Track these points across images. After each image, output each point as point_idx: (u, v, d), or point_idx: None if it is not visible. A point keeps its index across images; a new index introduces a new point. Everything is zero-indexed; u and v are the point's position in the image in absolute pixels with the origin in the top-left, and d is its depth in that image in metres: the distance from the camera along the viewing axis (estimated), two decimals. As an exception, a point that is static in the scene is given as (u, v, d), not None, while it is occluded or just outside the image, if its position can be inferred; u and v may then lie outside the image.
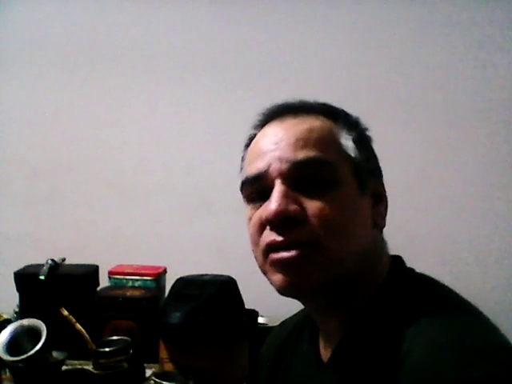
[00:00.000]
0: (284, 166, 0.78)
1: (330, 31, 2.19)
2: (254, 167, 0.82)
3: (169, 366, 1.52)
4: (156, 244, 2.23)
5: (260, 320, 1.71)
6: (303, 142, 0.79)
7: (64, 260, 1.86)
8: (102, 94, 2.30)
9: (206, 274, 1.66)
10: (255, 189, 0.82)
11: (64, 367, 1.56)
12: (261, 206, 0.80)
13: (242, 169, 0.89)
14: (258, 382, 1.05)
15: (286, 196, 0.77)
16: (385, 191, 0.87)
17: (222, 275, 1.65)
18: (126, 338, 1.54)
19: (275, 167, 0.79)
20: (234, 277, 1.67)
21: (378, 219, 0.83)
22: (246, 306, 1.66)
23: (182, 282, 1.62)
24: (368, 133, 0.89)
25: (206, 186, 2.23)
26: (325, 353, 0.86)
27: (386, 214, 0.86)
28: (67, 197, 2.30)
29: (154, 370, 1.58)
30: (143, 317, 1.70)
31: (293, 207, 0.76)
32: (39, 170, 2.31)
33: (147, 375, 1.58)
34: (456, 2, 2.13)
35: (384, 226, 0.85)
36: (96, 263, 1.89)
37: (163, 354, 1.54)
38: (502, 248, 2.09)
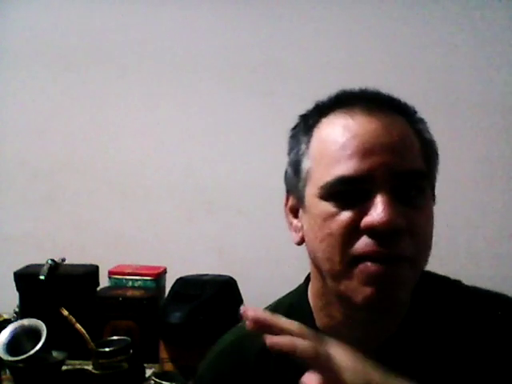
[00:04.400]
0: (389, 174, 0.73)
1: (330, 31, 2.19)
2: (351, 168, 0.74)
3: (169, 366, 1.52)
4: (156, 244, 2.23)
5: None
6: (404, 147, 0.75)
7: (64, 260, 1.86)
8: (102, 95, 2.30)
9: (206, 274, 1.66)
10: (347, 188, 0.74)
11: (64, 367, 1.56)
12: (351, 205, 0.74)
13: (302, 154, 0.80)
14: None
15: (392, 207, 0.72)
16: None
17: (221, 275, 1.66)
18: (125, 338, 1.54)
19: (380, 174, 0.73)
20: (234, 277, 1.67)
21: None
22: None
23: (182, 282, 1.62)
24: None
25: (206, 185, 2.23)
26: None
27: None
28: (67, 197, 2.30)
29: (153, 370, 1.58)
30: (143, 317, 1.70)
31: (401, 220, 0.72)
32: (39, 171, 2.31)
33: (147, 375, 1.58)
34: (456, 2, 2.13)
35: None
36: (96, 263, 1.89)
37: (163, 354, 1.54)
38: (500, 246, 2.09)
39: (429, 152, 0.79)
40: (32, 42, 2.32)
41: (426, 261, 0.77)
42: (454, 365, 0.77)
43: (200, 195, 2.24)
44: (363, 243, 0.73)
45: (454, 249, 2.06)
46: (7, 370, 1.54)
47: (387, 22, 2.16)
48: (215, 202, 2.23)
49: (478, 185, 2.11)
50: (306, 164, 0.79)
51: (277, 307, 0.90)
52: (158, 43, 2.27)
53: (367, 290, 0.73)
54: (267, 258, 2.11)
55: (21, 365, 1.45)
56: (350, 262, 0.74)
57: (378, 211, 0.72)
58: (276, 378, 0.83)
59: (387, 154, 0.74)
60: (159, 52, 2.27)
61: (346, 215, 0.74)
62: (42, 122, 2.33)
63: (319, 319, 0.83)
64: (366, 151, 0.74)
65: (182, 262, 1.95)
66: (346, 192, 0.74)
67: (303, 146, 0.80)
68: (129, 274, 1.87)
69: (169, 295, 1.63)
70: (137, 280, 1.86)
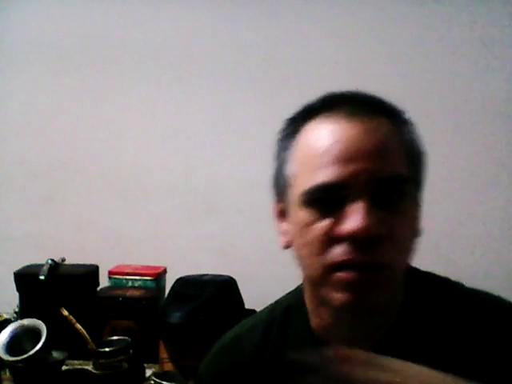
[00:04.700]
0: (366, 181, 0.72)
1: (330, 31, 2.19)
2: (328, 175, 0.73)
3: (169, 366, 1.52)
4: (156, 244, 2.23)
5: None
6: (383, 152, 0.74)
7: (64, 260, 1.86)
8: (102, 94, 2.30)
9: (206, 274, 1.66)
10: (323, 196, 0.74)
11: (64, 367, 1.56)
12: (329, 213, 0.74)
13: (284, 161, 0.80)
14: None
15: (369, 213, 0.72)
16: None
17: (221, 275, 1.66)
18: (125, 338, 1.54)
19: (357, 181, 0.73)
20: (234, 277, 1.67)
21: (419, 227, 0.80)
22: (246, 306, 1.66)
23: (182, 282, 1.62)
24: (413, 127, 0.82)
25: (206, 186, 2.23)
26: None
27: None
28: (67, 197, 2.31)
29: (153, 370, 1.58)
30: (143, 317, 1.70)
31: (378, 227, 0.72)
32: (39, 171, 2.31)
33: (147, 375, 1.58)
34: (456, 1, 2.13)
35: (421, 233, 0.81)
36: (96, 263, 1.89)
37: (163, 353, 1.54)
38: (500, 246, 2.09)
39: (414, 154, 0.79)
40: (32, 41, 2.32)
41: (406, 263, 0.77)
42: (446, 369, 0.77)
43: (200, 195, 2.24)
44: (341, 251, 0.73)
45: (454, 248, 2.07)
46: (7, 370, 1.54)
47: (388, 23, 2.16)
48: (215, 201, 2.23)
49: (478, 184, 2.11)
50: (290, 169, 0.79)
51: (275, 308, 0.91)
52: (158, 43, 2.27)
53: (344, 296, 0.74)
54: (267, 258, 2.11)
55: (21, 365, 1.45)
56: (328, 269, 0.74)
57: (354, 218, 0.72)
58: (273, 374, 0.85)
59: (366, 160, 0.73)
60: (159, 52, 2.27)
61: (324, 223, 0.74)
62: (42, 122, 2.33)
63: (313, 320, 0.84)
64: (344, 158, 0.73)
65: (181, 262, 1.95)
66: (326, 199, 0.74)
67: (288, 151, 0.80)
68: (129, 274, 1.87)
69: (169, 295, 1.63)
70: (137, 280, 1.85)
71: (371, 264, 0.72)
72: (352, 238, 0.72)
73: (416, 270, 0.85)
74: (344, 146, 0.74)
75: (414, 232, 0.78)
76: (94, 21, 2.30)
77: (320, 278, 0.76)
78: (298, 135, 0.79)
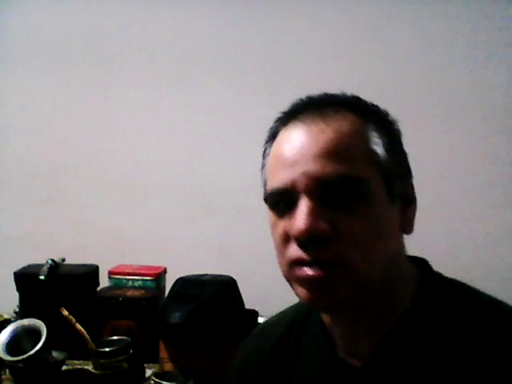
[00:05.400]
0: (310, 183, 0.75)
1: (330, 31, 2.19)
2: (279, 180, 0.78)
3: (169, 366, 1.52)
4: (156, 244, 2.23)
5: (260, 320, 1.71)
6: (330, 154, 0.75)
7: (64, 260, 1.86)
8: (103, 95, 2.30)
9: (206, 274, 1.66)
10: (280, 199, 0.78)
11: (64, 367, 1.56)
12: (285, 214, 0.78)
13: (263, 166, 0.86)
14: None
15: (313, 213, 0.74)
16: (414, 192, 0.83)
17: (222, 275, 1.65)
18: (125, 338, 1.54)
19: (301, 184, 0.75)
20: (234, 277, 1.67)
21: (406, 225, 0.81)
22: (246, 306, 1.66)
23: (182, 282, 1.62)
24: (397, 127, 0.83)
25: (206, 186, 2.23)
26: (350, 353, 0.83)
27: (414, 217, 0.82)
28: (67, 197, 2.31)
29: (153, 370, 1.58)
30: (143, 317, 1.70)
31: (321, 225, 0.74)
32: (39, 171, 2.31)
33: (147, 375, 1.58)
34: (456, 1, 2.13)
35: (412, 231, 0.82)
36: (96, 263, 1.89)
37: (163, 354, 1.54)
38: (500, 246, 2.09)
39: (383, 153, 0.78)
40: (32, 41, 2.32)
41: (373, 262, 0.76)
42: (448, 372, 0.76)
43: (200, 195, 2.24)
44: (293, 250, 0.77)
45: (454, 248, 2.07)
46: (7, 370, 1.54)
47: (388, 22, 2.16)
48: (215, 201, 2.23)
49: (478, 183, 2.11)
50: (264, 174, 0.85)
51: (298, 306, 0.95)
52: (158, 42, 2.27)
53: (305, 292, 0.77)
54: (267, 257, 2.10)
55: (21, 365, 1.45)
56: (289, 266, 0.78)
57: (295, 221, 0.75)
58: (286, 370, 0.90)
59: (311, 163, 0.75)
60: (159, 51, 2.27)
61: (281, 225, 0.79)
62: (42, 122, 2.33)
63: (323, 317, 0.88)
64: (291, 163, 0.77)
65: (181, 262, 1.95)
66: (283, 202, 0.78)
67: (266, 158, 0.86)
68: (129, 274, 1.87)
69: (169, 295, 1.63)
70: (137, 280, 1.85)
71: (321, 262, 0.74)
72: (297, 239, 0.75)
73: (435, 275, 0.86)
74: (291, 151, 0.78)
75: (377, 231, 0.76)
76: (94, 21, 2.31)
77: (287, 275, 0.80)
78: (272, 142, 0.84)
